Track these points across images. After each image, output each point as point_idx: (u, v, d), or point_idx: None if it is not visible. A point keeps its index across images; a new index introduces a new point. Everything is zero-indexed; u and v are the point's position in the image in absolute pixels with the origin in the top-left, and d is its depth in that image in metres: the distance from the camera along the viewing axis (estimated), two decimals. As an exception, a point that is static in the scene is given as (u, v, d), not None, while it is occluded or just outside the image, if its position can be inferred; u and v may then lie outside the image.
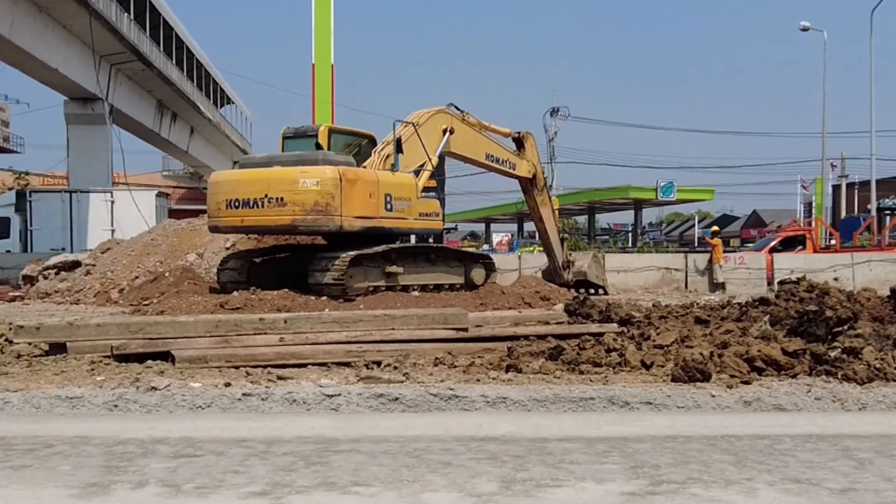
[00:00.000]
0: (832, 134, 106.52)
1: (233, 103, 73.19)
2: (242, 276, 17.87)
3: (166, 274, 19.42)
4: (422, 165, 18.48)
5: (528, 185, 22.28)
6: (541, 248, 26.36)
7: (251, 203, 16.36)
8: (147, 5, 44.00)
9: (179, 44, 51.62)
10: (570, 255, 23.76)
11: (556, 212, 23.31)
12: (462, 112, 19.95)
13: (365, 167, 17.29)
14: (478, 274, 19.09)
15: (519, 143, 22.03)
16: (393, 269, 17.16)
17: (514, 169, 21.59)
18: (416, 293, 17.08)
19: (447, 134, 19.15)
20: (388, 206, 17.04)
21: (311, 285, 16.13)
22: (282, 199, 16.01)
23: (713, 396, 7.49)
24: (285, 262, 18.89)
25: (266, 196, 16.18)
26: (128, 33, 39.71)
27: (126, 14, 40.04)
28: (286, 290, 16.12)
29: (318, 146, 17.61)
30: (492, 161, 20.83)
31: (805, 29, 46.43)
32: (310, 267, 16.29)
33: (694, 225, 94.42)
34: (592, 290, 23.52)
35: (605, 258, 26.13)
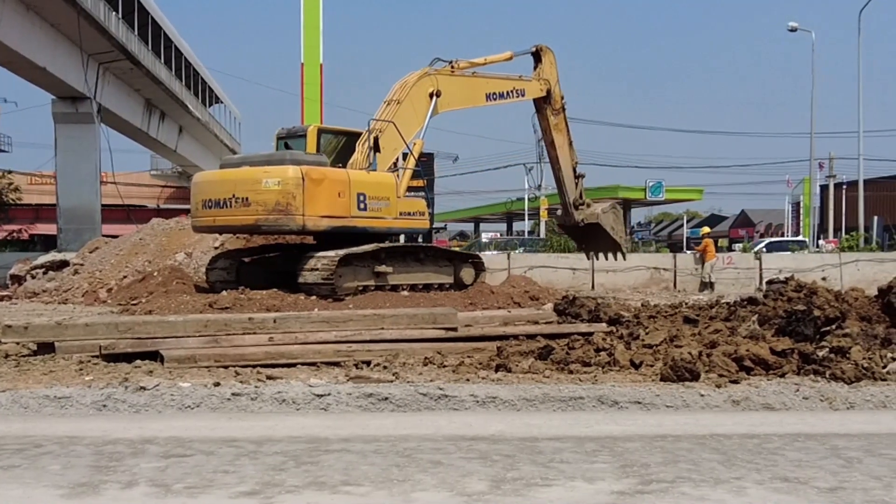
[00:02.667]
0: (820, 134, 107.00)
1: (222, 102, 73.05)
2: (231, 276, 17.89)
3: (155, 273, 19.39)
4: (407, 151, 18.36)
5: (541, 103, 21.01)
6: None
7: (221, 203, 16.50)
8: (135, 4, 43.86)
9: (168, 43, 51.47)
10: (586, 197, 22.08)
11: (573, 143, 21.60)
12: (450, 62, 19.15)
13: (340, 165, 17.28)
14: (467, 273, 19.03)
15: (537, 56, 20.90)
16: (382, 268, 17.12)
17: (523, 95, 20.53)
18: (405, 293, 17.08)
19: (434, 98, 18.56)
20: (362, 206, 16.97)
21: (301, 285, 16.13)
22: (246, 199, 16.15)
23: (702, 396, 7.51)
24: (274, 262, 18.88)
25: (233, 196, 16.29)
26: (116, 32, 39.58)
27: (114, 13, 39.91)
28: (275, 289, 16.14)
29: (287, 146, 17.64)
30: (495, 99, 19.91)
31: (793, 29, 46.64)
32: (299, 266, 16.29)
33: (683, 225, 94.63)
34: (609, 254, 22.31)
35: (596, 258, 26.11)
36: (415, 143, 18.47)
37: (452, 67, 19.20)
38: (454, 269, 18.90)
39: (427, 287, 17.99)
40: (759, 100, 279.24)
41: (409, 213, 18.24)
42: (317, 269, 15.93)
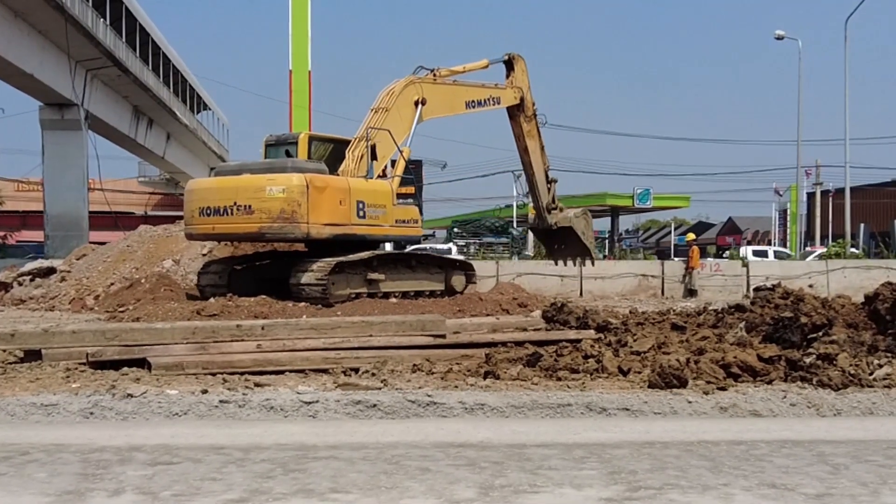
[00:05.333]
0: (807, 142, 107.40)
1: (210, 109, 72.95)
2: (223, 283, 17.85)
3: (142, 280, 19.35)
4: (398, 150, 18.42)
5: (514, 110, 21.42)
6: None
7: (221, 211, 16.40)
8: (123, 11, 43.80)
9: (156, 49, 51.41)
10: (559, 201, 22.68)
11: (544, 148, 22.21)
12: (432, 71, 19.41)
13: (338, 172, 17.31)
14: (458, 280, 19.14)
15: (510, 65, 21.30)
16: (374, 275, 17.18)
17: (498, 103, 20.90)
18: (393, 300, 17.09)
19: (419, 106, 18.74)
20: (361, 213, 17.02)
21: (293, 292, 16.14)
22: (249, 206, 16.04)
23: (690, 402, 7.53)
24: (266, 269, 18.88)
25: (235, 204, 16.20)
26: (104, 39, 39.52)
27: (102, 19, 39.85)
28: (263, 296, 16.10)
29: (288, 154, 17.64)
30: (474, 106, 20.22)
31: (780, 38, 46.84)
32: (292, 274, 16.30)
33: (670, 232, 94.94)
34: (578, 260, 22.85)
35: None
36: (402, 150, 18.55)
37: (434, 76, 19.40)
38: (445, 275, 18.98)
39: (418, 294, 18.03)
40: (747, 107, 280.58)
41: (403, 221, 18.35)
42: (310, 277, 15.95)
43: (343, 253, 16.68)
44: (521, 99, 21.21)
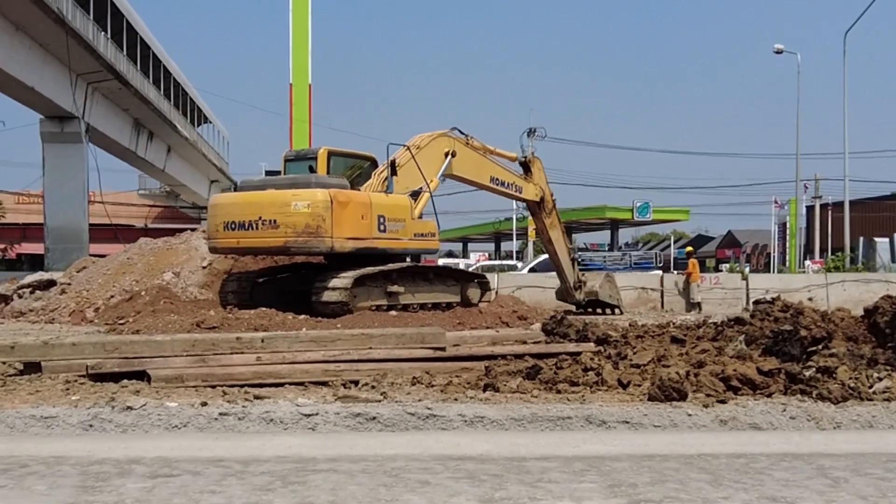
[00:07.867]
0: (806, 155, 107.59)
1: (210, 122, 73.07)
2: (246, 297, 18.04)
3: (142, 293, 19.36)
4: (421, 188, 18.79)
5: (535, 207, 22.53)
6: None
7: (246, 225, 16.72)
8: (124, 24, 43.93)
9: (157, 62, 51.53)
10: (582, 275, 23.86)
11: (565, 232, 23.57)
12: (466, 136, 20.17)
13: (359, 189, 17.57)
14: (473, 293, 19.51)
15: (526, 167, 22.20)
16: (395, 288, 17.48)
17: (520, 192, 21.87)
18: (393, 313, 17.17)
19: (449, 157, 19.42)
20: (382, 227, 17.38)
21: (315, 304, 16.33)
22: (274, 221, 16.40)
23: (689, 415, 7.53)
24: (288, 282, 19.12)
25: (260, 218, 16.52)
26: (104, 52, 39.62)
27: (103, 33, 39.97)
28: (263, 308, 16.21)
29: (312, 169, 17.93)
30: (497, 184, 21.07)
31: (779, 52, 46.98)
32: (314, 286, 16.53)
33: (670, 245, 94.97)
34: (608, 311, 23.87)
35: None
36: (431, 181, 19.13)
37: (467, 141, 20.17)
38: (461, 288, 19.47)
39: (436, 306, 18.48)
40: (746, 120, 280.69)
41: (422, 235, 18.70)
42: (333, 290, 16.21)
43: (362, 266, 16.92)
44: (542, 199, 22.25)
